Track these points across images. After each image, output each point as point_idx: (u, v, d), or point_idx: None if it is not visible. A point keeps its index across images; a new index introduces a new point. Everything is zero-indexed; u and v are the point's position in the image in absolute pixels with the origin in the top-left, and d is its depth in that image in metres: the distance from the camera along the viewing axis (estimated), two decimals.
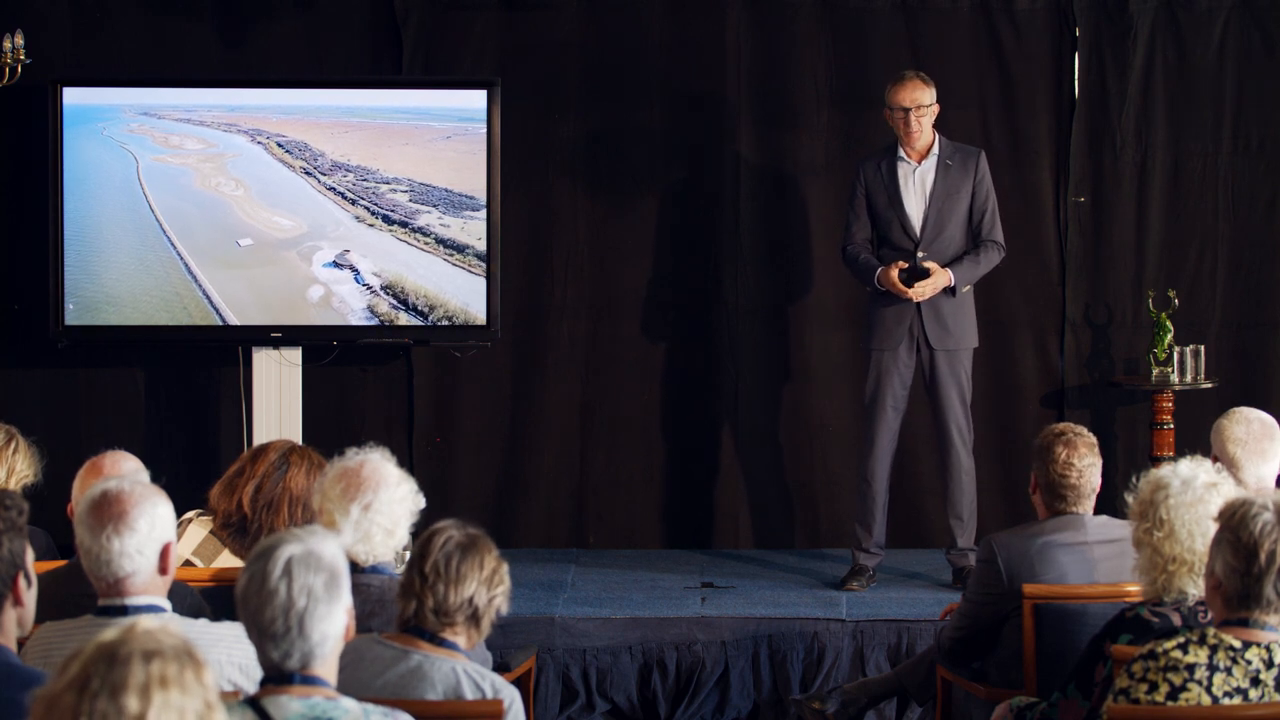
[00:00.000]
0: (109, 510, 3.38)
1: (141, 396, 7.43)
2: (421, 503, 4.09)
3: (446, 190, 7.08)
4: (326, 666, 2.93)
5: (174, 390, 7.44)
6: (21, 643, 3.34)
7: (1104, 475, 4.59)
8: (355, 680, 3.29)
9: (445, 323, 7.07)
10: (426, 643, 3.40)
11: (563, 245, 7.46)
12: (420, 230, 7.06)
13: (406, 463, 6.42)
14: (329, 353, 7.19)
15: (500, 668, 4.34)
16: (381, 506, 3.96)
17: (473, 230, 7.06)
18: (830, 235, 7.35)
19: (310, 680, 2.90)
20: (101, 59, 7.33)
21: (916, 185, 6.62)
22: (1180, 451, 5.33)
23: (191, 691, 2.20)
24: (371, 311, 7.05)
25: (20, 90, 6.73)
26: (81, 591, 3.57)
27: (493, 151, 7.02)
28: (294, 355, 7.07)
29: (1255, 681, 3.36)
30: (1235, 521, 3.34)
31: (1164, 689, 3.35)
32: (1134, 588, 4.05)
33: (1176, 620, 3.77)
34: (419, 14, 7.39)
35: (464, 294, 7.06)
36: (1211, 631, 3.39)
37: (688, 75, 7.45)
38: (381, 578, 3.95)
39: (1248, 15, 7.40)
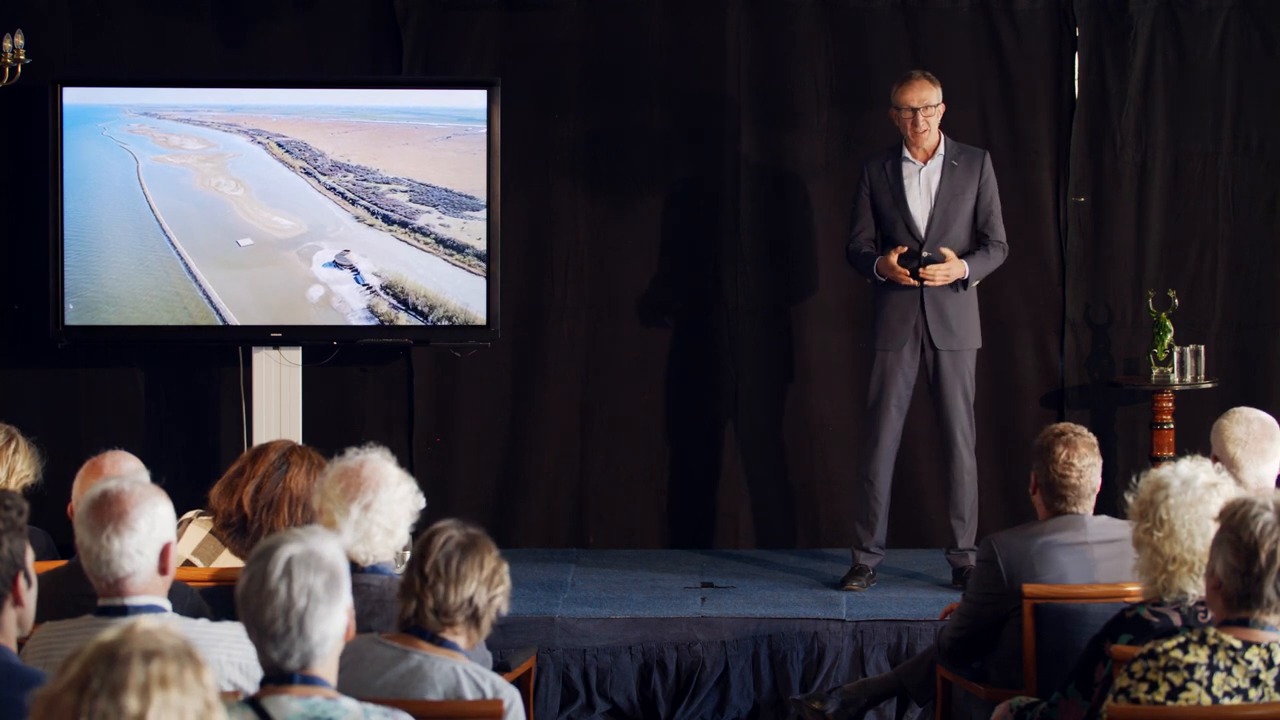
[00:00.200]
0: (109, 510, 3.38)
1: (141, 396, 7.43)
2: (421, 503, 4.09)
3: (446, 190, 7.07)
4: (327, 666, 2.93)
5: (174, 390, 7.44)
6: (21, 643, 3.34)
7: (1104, 475, 4.59)
8: (355, 680, 3.29)
9: (445, 323, 7.07)
10: (426, 643, 3.40)
11: (563, 245, 7.46)
12: (420, 230, 7.06)
13: (406, 463, 6.42)
14: (329, 353, 7.19)
15: (500, 668, 4.34)
16: (381, 506, 3.96)
17: (473, 230, 7.06)
18: (830, 235, 7.35)
19: (310, 680, 2.90)
20: (101, 59, 7.32)
21: (922, 185, 6.62)
22: (1180, 451, 5.33)
23: (191, 691, 2.20)
24: (371, 311, 7.05)
25: (20, 90, 6.73)
26: (81, 591, 3.57)
27: (493, 151, 7.02)
28: (294, 355, 7.07)
29: (1255, 681, 3.36)
30: (1236, 521, 3.34)
31: (1164, 689, 3.35)
32: (1134, 588, 4.05)
33: (1176, 620, 3.77)
34: (419, 14, 7.39)
35: (464, 294, 7.06)
36: (1211, 631, 3.39)
37: (688, 75, 7.45)
38: (381, 578, 3.95)
39: (1248, 15, 7.40)
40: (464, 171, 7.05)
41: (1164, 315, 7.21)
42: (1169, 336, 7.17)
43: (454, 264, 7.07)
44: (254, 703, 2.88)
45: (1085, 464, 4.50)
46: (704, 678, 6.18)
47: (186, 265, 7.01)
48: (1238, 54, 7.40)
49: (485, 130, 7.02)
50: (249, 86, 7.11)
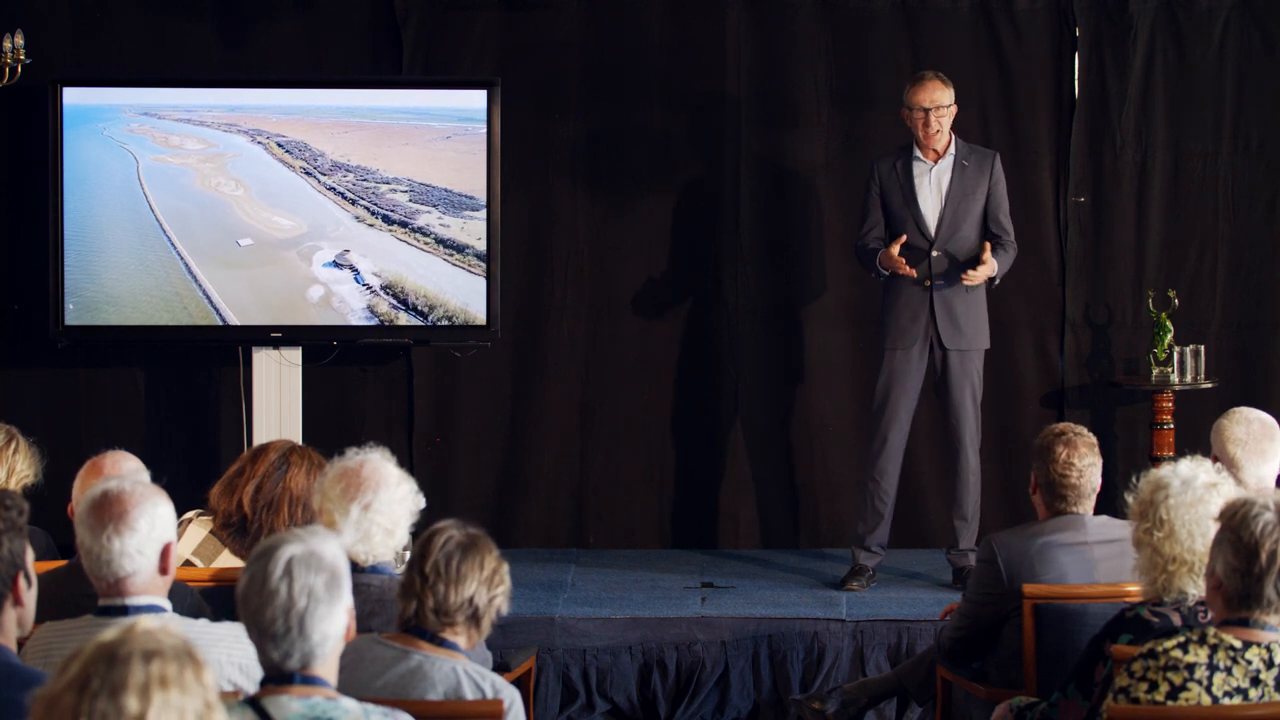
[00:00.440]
0: (109, 510, 3.38)
1: (141, 396, 7.43)
2: (421, 503, 4.08)
3: (446, 190, 7.07)
4: (327, 667, 2.93)
5: (174, 390, 7.44)
6: (21, 643, 3.34)
7: (1104, 475, 4.59)
8: (355, 680, 3.29)
9: (445, 323, 7.07)
10: (427, 643, 3.40)
11: (563, 245, 7.46)
12: (420, 230, 7.06)
13: (406, 463, 6.42)
14: (329, 353, 7.19)
15: (500, 668, 4.34)
16: (381, 506, 3.96)
17: (473, 230, 7.06)
18: (831, 235, 7.35)
19: (310, 680, 2.90)
20: (101, 59, 7.32)
21: (933, 185, 6.62)
22: (1180, 451, 5.33)
23: (191, 691, 2.20)
24: (371, 311, 7.05)
25: (20, 90, 6.73)
26: (81, 591, 3.57)
27: (493, 151, 7.02)
28: (294, 355, 7.07)
29: (1255, 681, 3.36)
30: (1236, 521, 3.35)
31: (1164, 688, 3.35)
32: (1134, 588, 4.05)
33: (1176, 620, 3.77)
34: (419, 14, 7.38)
35: (464, 294, 7.06)
36: (1212, 631, 3.39)
37: (688, 75, 7.45)
38: (381, 578, 3.95)
39: (1248, 15, 7.40)
40: (464, 171, 7.05)
41: (1164, 315, 7.21)
42: (1169, 336, 7.17)
43: (454, 264, 7.07)
44: (254, 703, 2.88)
45: (1085, 464, 4.50)
46: (704, 678, 6.18)
47: (186, 265, 7.01)
48: (1238, 54, 7.40)
49: (485, 130, 7.01)
50: (249, 86, 7.11)
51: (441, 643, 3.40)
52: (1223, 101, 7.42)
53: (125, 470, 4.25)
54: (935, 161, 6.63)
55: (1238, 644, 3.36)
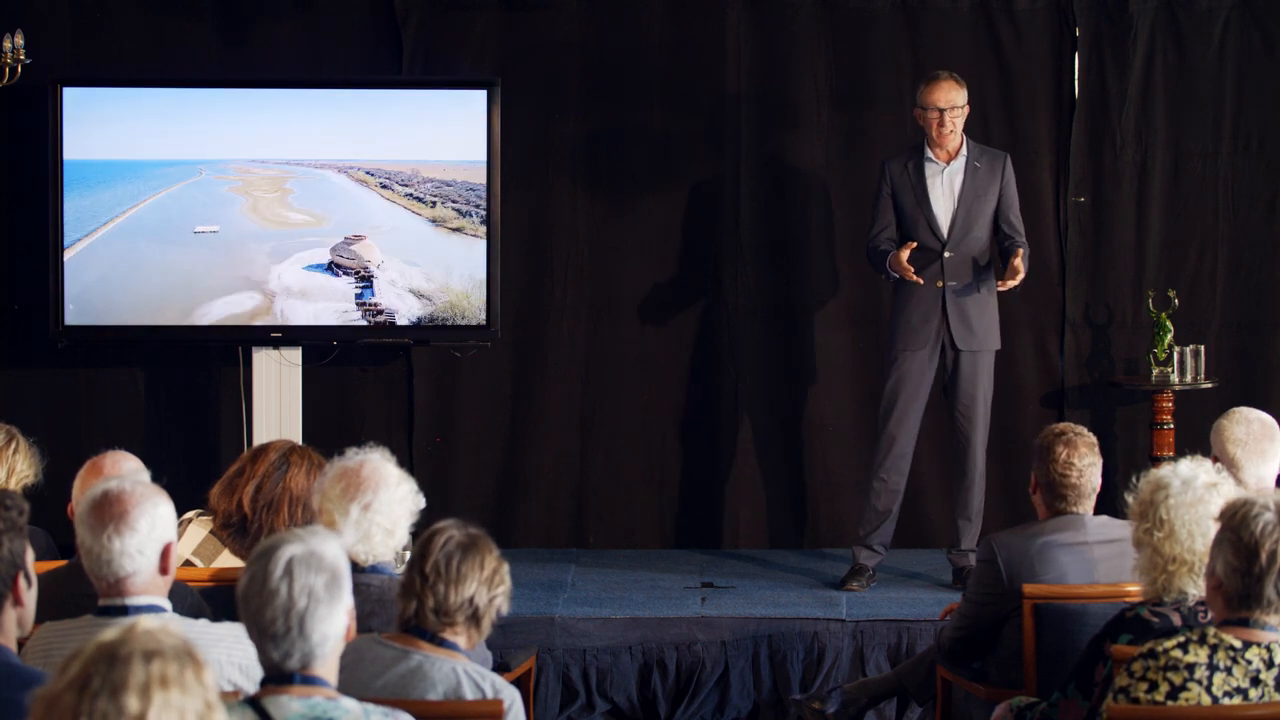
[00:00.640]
0: (110, 510, 3.38)
1: (141, 396, 7.43)
2: (421, 503, 4.08)
3: (446, 190, 7.07)
4: (327, 667, 2.93)
5: (174, 390, 7.44)
6: (21, 643, 3.34)
7: (1104, 475, 4.59)
8: (355, 680, 3.29)
9: (444, 316, 7.06)
10: (427, 643, 3.40)
11: (563, 245, 7.46)
12: (420, 230, 7.05)
13: (406, 463, 6.41)
14: (329, 353, 7.19)
15: (500, 668, 4.34)
16: (381, 506, 3.96)
17: (473, 230, 7.05)
18: (831, 235, 7.35)
19: (310, 680, 2.90)
20: (101, 59, 7.32)
21: (945, 185, 6.61)
22: (1180, 451, 5.33)
23: (191, 691, 2.20)
24: (372, 311, 7.05)
25: (20, 90, 6.72)
26: (81, 591, 3.57)
27: (493, 151, 7.02)
28: (294, 355, 7.07)
29: (1255, 681, 3.36)
30: (1236, 521, 3.35)
31: (1164, 688, 3.36)
32: (1134, 588, 4.05)
33: (1176, 620, 3.77)
34: (419, 14, 7.38)
35: (463, 290, 7.05)
36: (1212, 631, 3.39)
37: (688, 75, 7.45)
38: (381, 578, 3.95)
39: (1248, 15, 7.40)
40: (464, 171, 7.05)
41: (1164, 315, 7.21)
42: (1169, 336, 7.16)
43: (454, 263, 7.06)
44: (254, 703, 2.88)
45: (1085, 464, 4.50)
46: (704, 678, 6.18)
47: (186, 265, 7.00)
48: (1238, 54, 7.40)
49: (485, 130, 7.01)
50: (249, 86, 7.10)
51: (441, 643, 3.40)
52: (1223, 101, 7.42)
53: (125, 470, 4.25)
54: (948, 162, 6.62)
55: (1238, 644, 3.36)
